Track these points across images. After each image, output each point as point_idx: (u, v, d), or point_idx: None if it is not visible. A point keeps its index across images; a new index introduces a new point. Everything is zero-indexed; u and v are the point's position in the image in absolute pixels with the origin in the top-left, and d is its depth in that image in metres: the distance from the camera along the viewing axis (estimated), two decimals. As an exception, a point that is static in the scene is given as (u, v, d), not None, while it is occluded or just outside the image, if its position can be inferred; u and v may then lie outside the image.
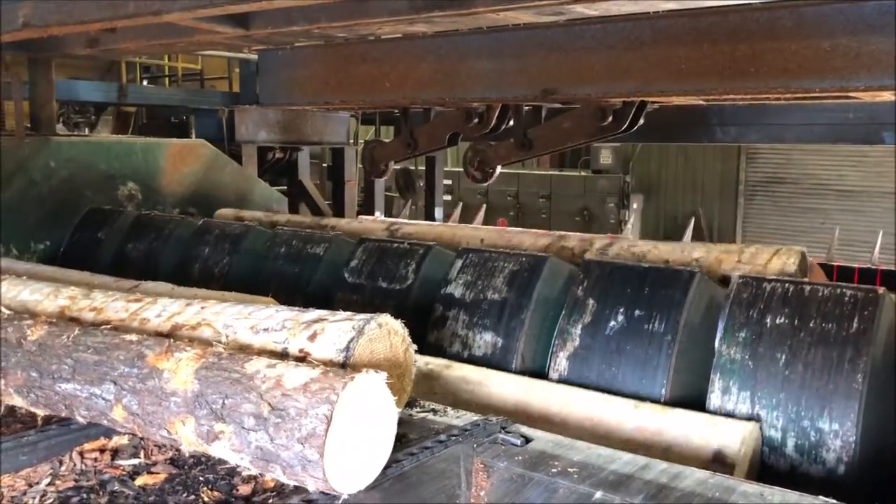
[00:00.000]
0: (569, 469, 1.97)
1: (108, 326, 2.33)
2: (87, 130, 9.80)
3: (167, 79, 11.71)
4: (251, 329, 2.16)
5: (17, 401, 2.28)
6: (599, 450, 2.10)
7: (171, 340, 2.05)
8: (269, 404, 1.74)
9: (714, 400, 2.49)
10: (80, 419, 2.14)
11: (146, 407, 1.96)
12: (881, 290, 2.46)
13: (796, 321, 2.46)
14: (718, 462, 2.34)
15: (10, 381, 2.25)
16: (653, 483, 1.90)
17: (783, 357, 2.43)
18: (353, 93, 4.75)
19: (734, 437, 2.36)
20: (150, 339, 2.08)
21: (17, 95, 5.05)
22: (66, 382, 2.12)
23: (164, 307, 2.39)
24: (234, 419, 1.79)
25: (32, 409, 2.28)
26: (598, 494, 1.85)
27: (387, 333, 2.08)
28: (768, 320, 2.51)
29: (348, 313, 2.11)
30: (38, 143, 4.89)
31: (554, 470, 1.97)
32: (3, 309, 2.51)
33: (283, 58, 5.02)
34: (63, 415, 2.19)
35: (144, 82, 11.48)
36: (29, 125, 5.34)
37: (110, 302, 2.52)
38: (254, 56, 6.00)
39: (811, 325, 2.44)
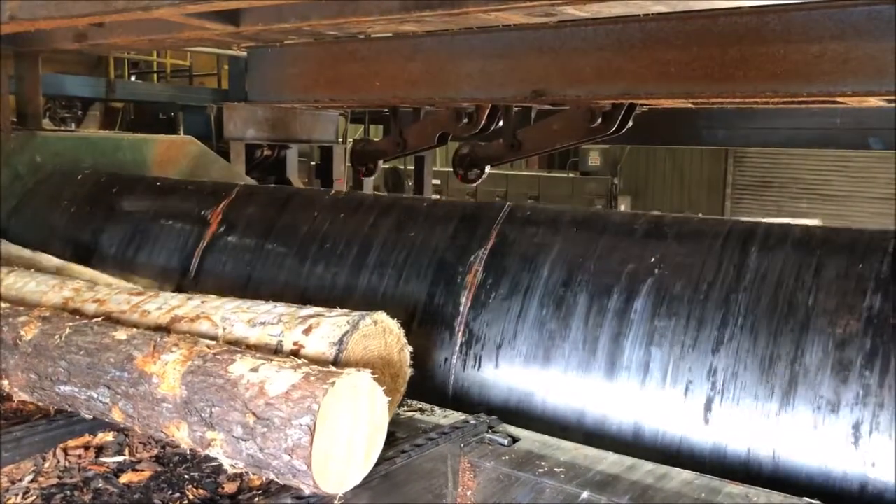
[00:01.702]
0: (555, 469, 1.97)
1: (102, 319, 2.35)
2: (73, 126, 9.72)
3: (156, 75, 11.65)
4: (248, 322, 2.17)
5: (26, 397, 2.31)
6: (586, 450, 2.11)
7: (159, 339, 2.04)
8: (254, 414, 1.74)
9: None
10: (87, 416, 2.16)
11: (141, 411, 1.97)
12: None
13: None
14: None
15: (14, 382, 2.28)
16: (639, 484, 1.91)
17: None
18: (343, 91, 4.74)
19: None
20: (139, 338, 2.08)
21: (3, 89, 5.01)
22: (64, 385, 2.14)
23: (166, 300, 2.42)
24: (223, 428, 1.80)
25: (41, 405, 2.32)
26: (585, 495, 1.86)
27: (381, 331, 2.08)
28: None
29: (345, 310, 2.12)
30: (24, 138, 4.85)
31: (541, 470, 1.97)
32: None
33: (273, 55, 5.00)
34: (69, 411, 2.22)
35: (133, 78, 11.41)
36: (15, 119, 5.29)
37: (113, 294, 2.55)
38: (243, 53, 5.97)
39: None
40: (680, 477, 1.96)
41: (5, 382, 2.30)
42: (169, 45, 7.91)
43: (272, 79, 5.10)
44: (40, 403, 2.29)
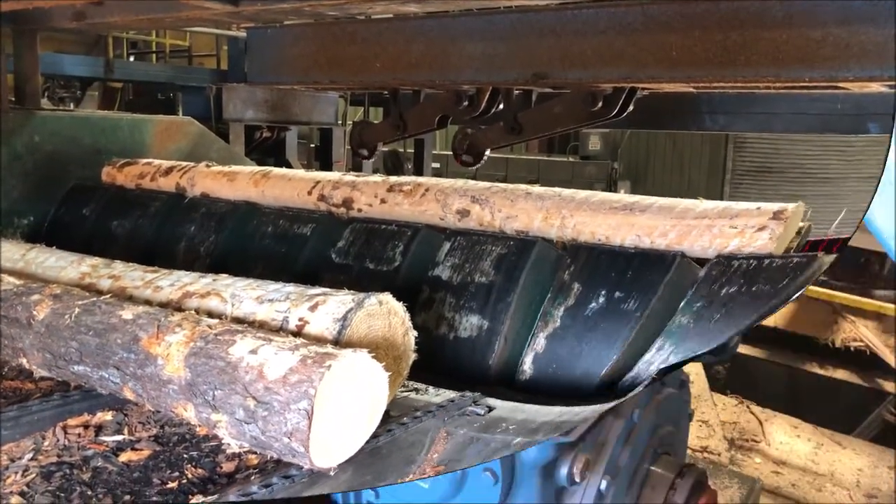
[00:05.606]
0: (510, 427, 2.09)
1: (117, 294, 2.43)
2: (72, 105, 9.68)
3: (154, 55, 11.58)
4: (257, 299, 2.20)
5: (46, 374, 2.37)
6: (544, 409, 2.23)
7: (163, 318, 2.06)
8: (255, 398, 1.77)
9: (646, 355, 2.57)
10: (103, 392, 2.22)
11: (150, 392, 2.01)
12: (820, 254, 2.53)
13: (743, 290, 2.55)
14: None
15: (32, 360, 2.33)
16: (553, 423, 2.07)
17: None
18: (343, 73, 4.71)
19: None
20: (144, 317, 2.10)
21: (1, 68, 4.98)
22: (77, 365, 2.18)
23: (179, 277, 2.47)
24: (226, 410, 1.82)
25: (41, 385, 2.40)
26: (518, 440, 2.01)
27: (386, 312, 2.10)
28: (723, 291, 2.58)
29: (352, 291, 2.15)
30: (22, 117, 4.83)
31: (499, 429, 2.07)
32: (6, 278, 2.57)
33: (273, 36, 4.97)
34: (86, 387, 2.29)
35: (131, 58, 11.35)
36: (13, 99, 5.27)
37: (129, 271, 2.62)
38: (242, 34, 5.94)
39: (754, 289, 2.51)
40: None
41: (24, 361, 2.36)
42: (168, 25, 7.88)
43: (272, 60, 5.07)
44: (60, 378, 2.35)
